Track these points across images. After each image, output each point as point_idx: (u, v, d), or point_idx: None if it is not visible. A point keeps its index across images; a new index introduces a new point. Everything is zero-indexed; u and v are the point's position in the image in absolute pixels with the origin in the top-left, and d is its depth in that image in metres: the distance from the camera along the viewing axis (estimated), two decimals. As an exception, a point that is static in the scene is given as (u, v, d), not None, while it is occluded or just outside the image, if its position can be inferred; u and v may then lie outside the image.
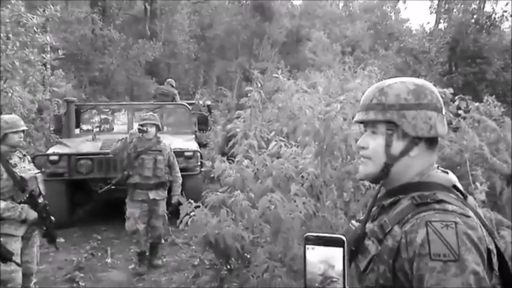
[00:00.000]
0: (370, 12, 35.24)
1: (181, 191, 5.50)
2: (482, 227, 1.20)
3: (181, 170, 5.99)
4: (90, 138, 7.78)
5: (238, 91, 19.05)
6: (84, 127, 8.49)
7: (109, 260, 6.03)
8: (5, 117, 4.02)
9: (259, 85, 4.78)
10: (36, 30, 8.70)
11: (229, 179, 4.37)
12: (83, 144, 7.50)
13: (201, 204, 4.39)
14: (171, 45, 20.60)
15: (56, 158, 6.97)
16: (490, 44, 15.16)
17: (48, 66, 11.20)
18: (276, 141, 4.26)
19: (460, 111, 5.63)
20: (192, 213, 4.28)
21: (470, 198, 1.32)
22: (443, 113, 1.35)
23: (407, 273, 1.17)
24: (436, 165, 1.37)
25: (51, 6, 9.36)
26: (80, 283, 5.26)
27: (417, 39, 18.12)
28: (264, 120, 5.03)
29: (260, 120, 4.87)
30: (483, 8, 16.71)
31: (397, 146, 1.32)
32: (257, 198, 3.90)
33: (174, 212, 5.13)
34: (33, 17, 8.53)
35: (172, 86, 10.85)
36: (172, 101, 9.92)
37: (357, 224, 1.41)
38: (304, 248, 1.14)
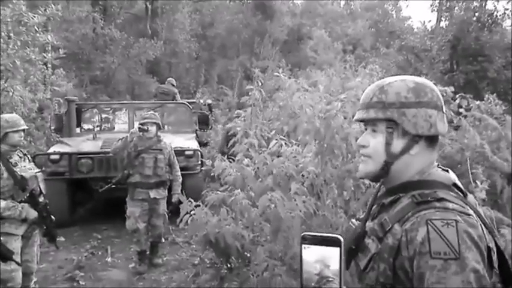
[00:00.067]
0: (372, 10, 35.19)
1: (182, 190, 5.49)
2: (482, 225, 1.20)
3: (182, 169, 5.99)
4: (91, 137, 7.79)
5: (239, 90, 19.05)
6: (85, 126, 8.50)
7: (109, 259, 6.03)
8: (5, 116, 4.02)
9: (260, 84, 4.77)
10: (37, 29, 8.70)
11: (230, 178, 4.37)
12: (83, 144, 7.51)
13: (201, 203, 4.39)
14: (172, 44, 20.61)
15: (56, 157, 6.97)
16: (491, 42, 15.14)
17: (49, 65, 11.20)
18: (276, 140, 4.25)
19: (461, 110, 5.63)
20: (192, 212, 4.28)
21: (470, 197, 1.32)
22: (444, 111, 1.35)
23: (408, 271, 1.17)
24: (436, 164, 1.37)
25: (52, 5, 9.36)
26: (80, 282, 5.27)
27: (418, 38, 18.10)
28: (264, 119, 5.03)
29: (261, 119, 4.86)
30: (485, 6, 16.67)
31: (398, 144, 1.32)
32: (257, 197, 3.89)
33: (174, 211, 5.13)
34: (34, 16, 8.54)
35: (173, 85, 10.87)
36: (172, 100, 9.92)
37: (357, 223, 1.41)
38: (301, 247, 1.13)
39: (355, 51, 27.80)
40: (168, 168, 5.63)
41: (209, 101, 11.81)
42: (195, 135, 8.58)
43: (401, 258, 1.19)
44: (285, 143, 4.27)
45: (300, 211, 3.59)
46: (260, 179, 4.11)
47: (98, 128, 8.44)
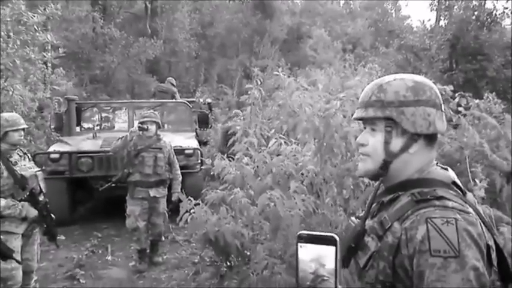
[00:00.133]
0: (371, 9, 35.14)
1: (182, 189, 5.50)
2: (481, 223, 1.21)
3: (182, 167, 6.00)
4: (90, 136, 7.80)
5: (239, 89, 19.04)
6: (85, 125, 8.51)
7: (109, 258, 6.04)
8: (5, 115, 4.02)
9: (260, 83, 4.78)
10: (36, 28, 8.69)
11: (229, 177, 4.37)
12: (83, 142, 7.51)
13: (201, 202, 4.40)
14: (172, 44, 20.59)
15: (56, 156, 6.98)
16: (490, 41, 15.11)
17: (49, 64, 11.19)
18: (276, 138, 4.26)
19: (460, 108, 5.64)
20: (192, 211, 4.29)
21: (469, 195, 1.33)
22: (443, 109, 1.35)
23: (407, 269, 1.18)
24: (435, 162, 1.37)
25: (51, 4, 9.35)
26: (81, 280, 5.27)
27: (418, 37, 18.07)
28: (264, 117, 5.03)
29: (260, 117, 4.87)
30: (484, 4, 16.64)
31: (396, 142, 1.33)
32: (257, 196, 3.90)
33: (174, 209, 5.14)
34: (34, 16, 8.52)
35: (173, 85, 10.86)
36: (171, 99, 9.93)
37: (356, 221, 1.41)
38: (297, 246, 1.14)
39: (355, 50, 27.78)
40: (167, 167, 5.64)
41: (209, 100, 11.85)
42: (194, 134, 8.59)
43: (401, 257, 1.19)
44: (285, 142, 4.28)
45: (300, 209, 3.60)
46: (260, 178, 4.12)
47: (98, 127, 8.46)
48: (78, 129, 8.32)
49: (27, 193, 3.90)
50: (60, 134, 8.50)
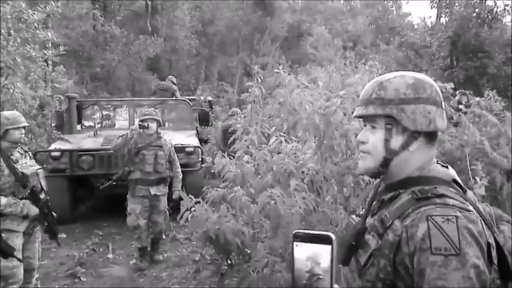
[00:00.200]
0: (372, 7, 35.08)
1: (182, 187, 5.50)
2: (482, 221, 1.21)
3: (182, 165, 6.01)
4: (91, 134, 7.80)
5: (240, 87, 19.05)
6: (86, 123, 8.51)
7: (110, 256, 6.05)
8: (6, 113, 4.02)
9: (260, 80, 4.77)
10: (37, 26, 8.69)
11: (230, 175, 4.38)
12: (84, 140, 7.52)
13: (201, 200, 4.40)
14: (172, 41, 20.57)
15: (57, 154, 6.98)
16: (491, 38, 15.09)
17: (50, 62, 11.21)
18: (276, 136, 4.26)
19: (460, 106, 5.62)
20: (192, 209, 4.29)
21: (469, 193, 1.33)
22: (443, 107, 1.35)
23: (408, 267, 1.18)
24: (435, 160, 1.37)
25: (52, 2, 9.35)
26: (82, 278, 5.28)
27: (418, 34, 18.05)
28: (264, 115, 5.03)
29: (261, 115, 4.86)
30: (485, 2, 16.58)
31: (397, 140, 1.33)
32: (257, 194, 3.90)
33: (175, 207, 5.15)
34: (34, 13, 8.52)
35: (173, 83, 10.85)
36: (172, 97, 9.93)
37: (357, 219, 1.40)
38: (292, 244, 1.14)
39: (355, 48, 27.77)
40: (168, 165, 5.64)
41: (209, 98, 11.84)
42: (195, 132, 8.60)
43: (402, 254, 1.19)
44: (285, 140, 4.28)
45: (300, 208, 3.60)
46: (260, 176, 4.12)
47: (99, 125, 8.46)
48: (79, 127, 8.32)
49: (28, 191, 3.91)
50: (61, 132, 8.51)
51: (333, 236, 1.10)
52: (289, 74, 4.25)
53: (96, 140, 7.47)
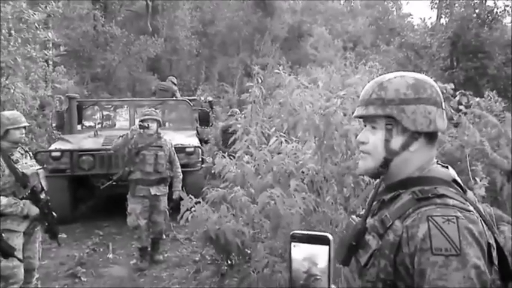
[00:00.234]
0: (372, 7, 35.05)
1: (182, 187, 5.51)
2: (482, 222, 1.20)
3: (183, 166, 6.01)
4: (92, 134, 7.81)
5: (240, 87, 19.05)
6: (86, 123, 8.52)
7: (111, 256, 6.05)
8: (6, 113, 4.02)
9: (260, 81, 4.78)
10: (38, 26, 8.71)
11: (230, 175, 4.38)
12: (84, 141, 7.52)
13: (201, 200, 4.40)
14: (173, 42, 20.58)
15: (58, 154, 6.99)
16: (491, 39, 15.10)
17: (50, 62, 11.22)
18: (276, 137, 4.26)
19: (461, 107, 5.62)
20: (192, 209, 4.30)
21: (469, 193, 1.33)
22: (443, 107, 1.35)
23: (409, 267, 1.18)
24: (435, 160, 1.37)
25: (52, 2, 9.37)
26: (82, 278, 5.28)
27: (419, 34, 18.07)
28: (265, 116, 5.03)
29: (261, 116, 4.87)
30: (485, 2, 16.61)
31: (397, 140, 1.32)
32: (257, 194, 3.90)
33: (175, 207, 5.15)
34: (35, 14, 8.54)
35: (174, 83, 10.85)
36: (172, 98, 9.94)
37: (357, 219, 1.40)
38: (290, 245, 1.14)
39: (356, 49, 27.76)
40: (168, 165, 5.64)
41: (210, 98, 11.84)
42: (195, 132, 8.60)
43: (402, 255, 1.19)
44: (285, 140, 4.28)
45: (300, 208, 3.60)
46: (260, 176, 4.12)
47: (99, 125, 8.47)
48: (79, 127, 8.33)
49: (29, 191, 3.91)
50: (61, 132, 8.52)
51: (330, 237, 1.10)
52: (290, 75, 4.25)
53: (97, 140, 7.47)
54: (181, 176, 5.75)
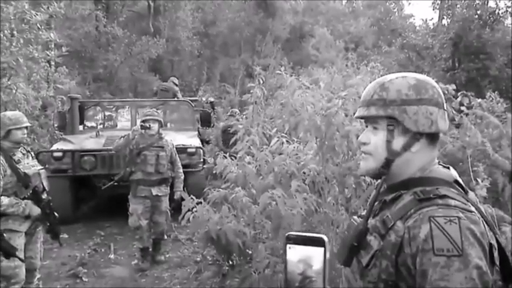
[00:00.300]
0: (374, 8, 35.07)
1: (184, 187, 5.51)
2: (484, 222, 1.20)
3: (184, 166, 6.01)
4: (93, 134, 7.82)
5: (241, 88, 19.06)
6: (88, 124, 8.54)
7: (112, 256, 6.06)
8: (8, 113, 4.03)
9: (262, 82, 4.77)
10: (40, 27, 8.73)
11: (232, 176, 4.38)
12: (86, 141, 7.53)
13: (203, 201, 4.41)
14: (175, 42, 20.59)
15: (59, 154, 7.00)
16: (493, 40, 15.10)
17: (52, 63, 11.23)
18: (278, 137, 4.26)
19: (462, 108, 5.62)
20: (194, 210, 4.30)
21: (471, 194, 1.33)
22: (445, 108, 1.35)
23: (410, 268, 1.18)
24: (437, 161, 1.37)
25: (55, 3, 9.38)
26: (83, 279, 5.29)
27: (420, 35, 18.06)
28: (266, 116, 5.03)
29: (262, 116, 4.87)
30: (487, 3, 16.60)
31: (398, 141, 1.32)
32: (259, 195, 3.90)
33: (176, 208, 5.15)
34: (37, 14, 8.56)
35: (175, 84, 10.86)
36: (173, 98, 9.95)
37: (358, 220, 1.40)
38: (285, 247, 1.14)
39: (357, 49, 27.78)
40: (170, 165, 5.65)
41: (211, 99, 11.85)
42: (197, 132, 8.61)
43: (404, 255, 1.19)
44: (287, 141, 4.28)
45: (301, 208, 3.60)
46: (261, 177, 4.12)
47: (101, 126, 8.48)
48: (81, 127, 8.34)
49: (30, 191, 3.92)
50: (63, 132, 8.53)
51: (325, 238, 1.10)
52: (291, 75, 4.25)
53: (98, 141, 7.48)
54: (182, 177, 5.76)
